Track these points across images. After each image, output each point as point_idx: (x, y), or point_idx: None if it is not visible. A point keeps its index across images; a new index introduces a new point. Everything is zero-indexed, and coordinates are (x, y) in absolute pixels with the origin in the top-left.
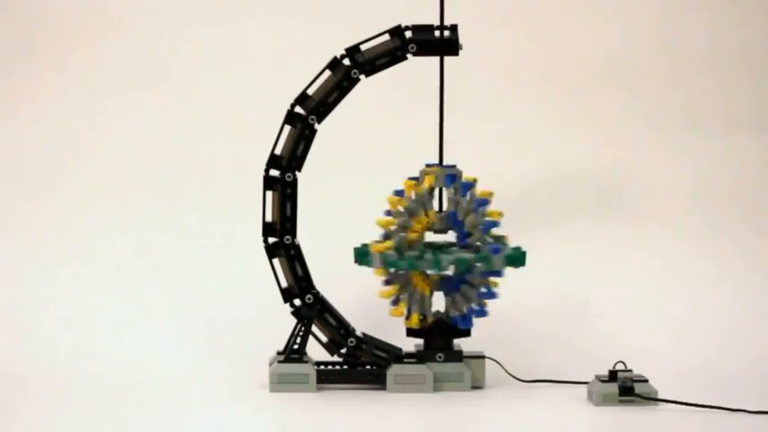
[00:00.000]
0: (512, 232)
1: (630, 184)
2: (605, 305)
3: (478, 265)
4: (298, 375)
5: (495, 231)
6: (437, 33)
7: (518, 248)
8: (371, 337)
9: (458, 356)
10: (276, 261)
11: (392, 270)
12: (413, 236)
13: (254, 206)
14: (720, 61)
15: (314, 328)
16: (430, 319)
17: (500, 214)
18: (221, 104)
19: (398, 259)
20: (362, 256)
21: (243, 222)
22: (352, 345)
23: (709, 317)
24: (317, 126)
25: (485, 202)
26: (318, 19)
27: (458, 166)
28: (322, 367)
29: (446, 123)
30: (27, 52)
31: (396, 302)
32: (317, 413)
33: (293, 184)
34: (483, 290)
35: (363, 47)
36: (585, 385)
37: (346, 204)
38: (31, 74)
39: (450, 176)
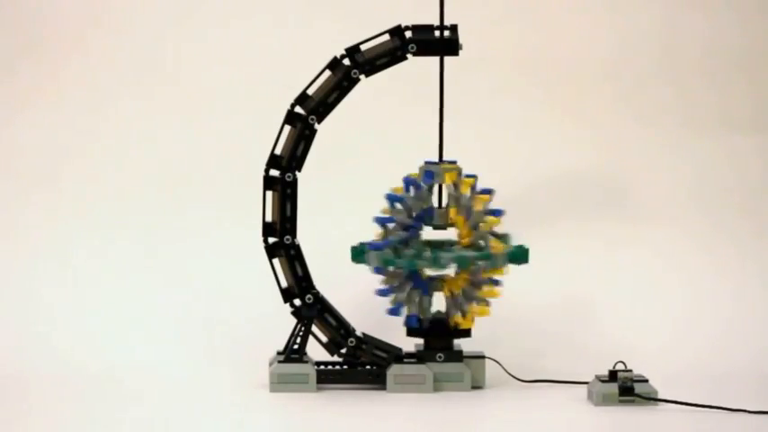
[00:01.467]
0: (511, 232)
1: (629, 184)
2: (605, 305)
3: (481, 262)
4: (298, 375)
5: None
6: (437, 33)
7: (520, 246)
8: (371, 337)
9: (458, 356)
10: (276, 261)
11: (390, 268)
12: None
13: (254, 206)
14: (718, 61)
15: (314, 328)
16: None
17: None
18: (221, 104)
19: (396, 257)
20: (359, 254)
21: (243, 222)
22: (352, 345)
23: (709, 316)
24: (317, 126)
25: (499, 212)
26: (319, 19)
27: (458, 163)
28: (322, 367)
29: (446, 123)
30: (30, 53)
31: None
32: (317, 413)
33: (293, 184)
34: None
35: (363, 47)
36: (585, 385)
37: (346, 204)
38: (33, 74)
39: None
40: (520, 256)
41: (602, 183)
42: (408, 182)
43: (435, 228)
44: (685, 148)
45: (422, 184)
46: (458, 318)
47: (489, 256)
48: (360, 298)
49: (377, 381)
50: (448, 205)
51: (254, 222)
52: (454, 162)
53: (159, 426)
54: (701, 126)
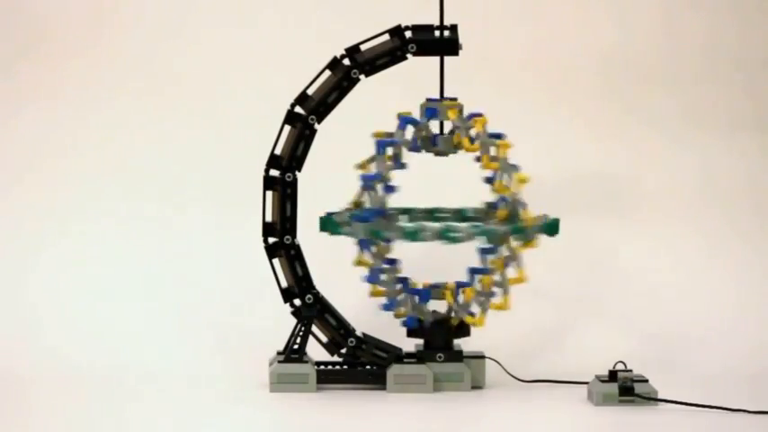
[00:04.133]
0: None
1: (630, 183)
2: (605, 304)
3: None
4: (298, 375)
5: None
6: (437, 33)
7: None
8: (371, 337)
9: (458, 356)
10: (276, 261)
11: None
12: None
13: (254, 206)
14: (723, 58)
15: (314, 328)
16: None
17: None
18: (221, 104)
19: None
20: (330, 224)
21: (243, 222)
22: (352, 345)
23: (709, 316)
24: (317, 126)
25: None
26: (319, 19)
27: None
28: (322, 367)
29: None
30: (29, 52)
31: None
32: (317, 413)
33: (293, 184)
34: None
35: (363, 47)
36: (585, 385)
37: (346, 204)
38: (33, 73)
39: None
40: (552, 227)
41: (602, 182)
42: (406, 120)
43: (438, 155)
44: (690, 146)
45: (421, 121)
46: (468, 318)
47: (521, 229)
48: (360, 298)
49: (377, 381)
50: (452, 131)
51: (255, 222)
52: (455, 99)
53: (159, 425)
54: (707, 124)
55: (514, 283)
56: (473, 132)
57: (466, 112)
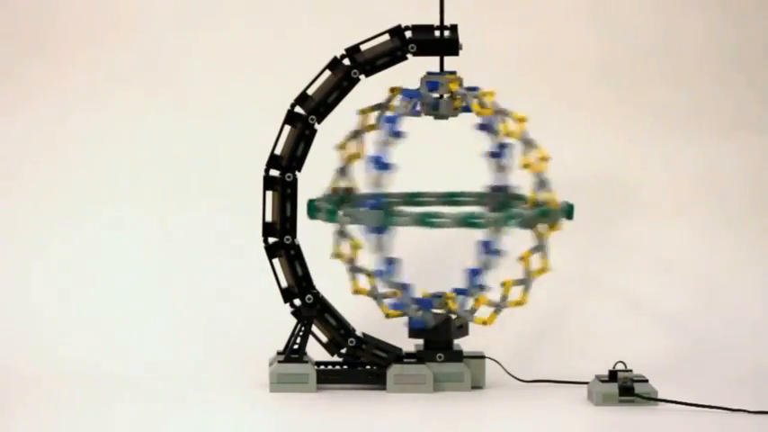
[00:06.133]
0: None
1: (631, 183)
2: (606, 304)
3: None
4: (298, 375)
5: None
6: (437, 33)
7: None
8: (371, 337)
9: (458, 356)
10: (276, 261)
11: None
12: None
13: (254, 206)
14: (724, 59)
15: (314, 328)
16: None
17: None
18: (221, 104)
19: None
20: (315, 210)
21: (243, 222)
22: (352, 345)
23: (710, 316)
24: (317, 126)
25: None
26: (319, 19)
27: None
28: (322, 367)
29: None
30: (32, 52)
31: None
32: (317, 413)
33: (293, 184)
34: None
35: (363, 47)
36: (585, 385)
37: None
38: (35, 73)
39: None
40: (569, 212)
41: (603, 181)
42: (409, 94)
43: (438, 118)
44: (693, 145)
45: (422, 93)
46: (477, 319)
47: (548, 212)
48: (360, 298)
49: (377, 381)
50: (452, 97)
51: (254, 222)
52: (454, 72)
53: (159, 426)
54: (710, 122)
55: (539, 275)
56: (485, 100)
57: (465, 115)
